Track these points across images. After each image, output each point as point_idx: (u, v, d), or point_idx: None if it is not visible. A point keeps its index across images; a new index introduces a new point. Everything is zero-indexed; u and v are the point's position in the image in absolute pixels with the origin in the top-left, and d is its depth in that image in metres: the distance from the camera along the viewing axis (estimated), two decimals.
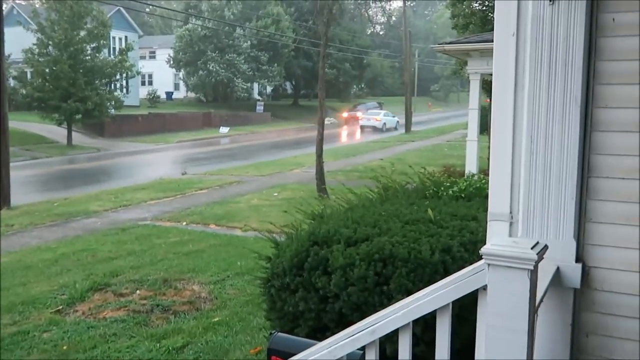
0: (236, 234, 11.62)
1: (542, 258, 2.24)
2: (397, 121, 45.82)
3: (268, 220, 12.07)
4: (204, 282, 8.24)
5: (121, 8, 48.98)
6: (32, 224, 13.01)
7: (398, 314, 2.49)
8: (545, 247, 2.29)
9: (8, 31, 16.63)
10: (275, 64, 52.50)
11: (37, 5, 39.61)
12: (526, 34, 2.77)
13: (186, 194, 16.81)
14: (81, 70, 31.22)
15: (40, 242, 11.35)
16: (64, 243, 11.14)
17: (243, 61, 50.21)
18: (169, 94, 58.27)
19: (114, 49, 42.23)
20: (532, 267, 2.09)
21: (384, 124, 44.84)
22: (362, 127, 43.93)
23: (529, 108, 2.75)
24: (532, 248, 2.15)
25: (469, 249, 4.21)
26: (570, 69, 2.65)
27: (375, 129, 43.42)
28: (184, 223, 12.79)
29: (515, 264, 2.10)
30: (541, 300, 2.40)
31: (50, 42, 30.91)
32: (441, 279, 2.60)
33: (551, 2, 2.67)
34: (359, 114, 47.69)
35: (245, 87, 50.82)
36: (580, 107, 2.65)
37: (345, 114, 49.63)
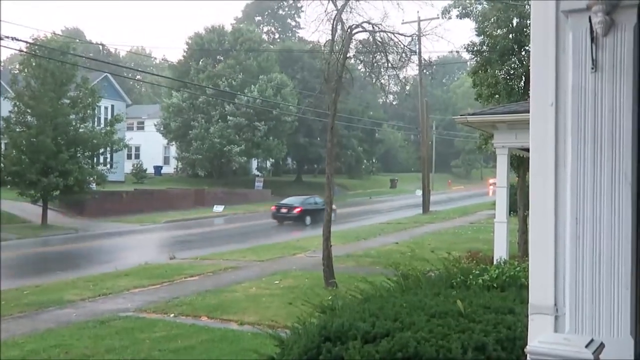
0: (232, 328, 11.42)
1: (598, 359, 2.19)
2: None
3: (268, 312, 11.97)
4: None
5: (108, 74, 50.55)
6: None
7: None
8: (602, 346, 2.24)
9: None
10: (275, 139, 53.22)
11: (15, 71, 40.87)
12: (566, 104, 2.83)
13: (175, 282, 16.67)
14: (63, 142, 31.73)
15: (6, 336, 11.14)
16: (33, 338, 10.96)
17: (237, 133, 51.07)
18: (157, 169, 59.04)
19: (99, 118, 43.19)
20: None
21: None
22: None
23: (573, 185, 2.77)
24: (586, 346, 2.11)
25: (506, 347, 4.12)
26: (618, 142, 2.69)
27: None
28: (172, 315, 12.62)
29: None
30: None
31: (29, 111, 31.59)
32: None
33: (593, 70, 2.74)
34: None
35: (238, 150, 51.10)
36: (631, 184, 2.66)
37: None
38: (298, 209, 35.18)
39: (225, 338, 10.62)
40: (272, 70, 55.15)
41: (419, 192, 59.84)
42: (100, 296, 14.82)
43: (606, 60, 2.71)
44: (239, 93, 49.81)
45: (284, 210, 35.66)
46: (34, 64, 31.40)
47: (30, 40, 31.23)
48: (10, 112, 32.09)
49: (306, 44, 64.88)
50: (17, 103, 31.75)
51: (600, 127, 2.73)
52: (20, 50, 32.96)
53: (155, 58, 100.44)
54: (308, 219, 34.80)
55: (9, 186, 32.64)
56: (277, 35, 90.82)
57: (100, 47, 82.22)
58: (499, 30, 17.14)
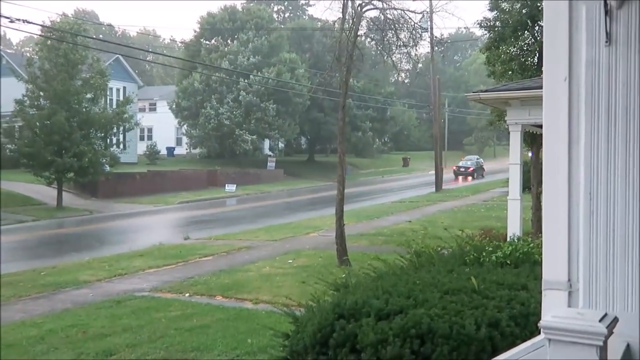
0: (246, 307, 11.51)
1: (612, 332, 2.19)
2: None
3: (282, 291, 12.05)
4: None
5: (119, 56, 50.52)
6: (16, 296, 13.01)
7: None
8: (615, 320, 2.24)
9: None
10: (287, 118, 53.18)
11: (29, 54, 41.02)
12: (580, 79, 2.80)
13: (189, 262, 16.78)
14: (75, 124, 31.86)
15: (24, 316, 11.31)
16: (51, 318, 11.10)
17: (248, 113, 50.99)
18: (170, 150, 59.12)
19: (111, 100, 43.27)
20: (601, 343, 2.05)
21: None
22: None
23: (587, 161, 2.75)
24: (600, 320, 2.11)
25: (520, 323, 4.14)
26: (632, 116, 2.67)
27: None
28: (187, 294, 12.72)
29: (582, 339, 2.05)
30: None
31: (42, 93, 31.75)
32: (489, 358, 2.54)
33: (607, 44, 2.71)
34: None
35: (249, 139, 51.18)
36: None
37: None
38: (471, 168, 57.52)
39: (240, 316, 10.70)
40: (283, 49, 54.88)
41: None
42: (115, 276, 14.96)
43: (620, 33, 2.68)
44: (253, 74, 49.53)
45: (462, 169, 57.46)
46: (48, 42, 31.42)
47: (44, 23, 31.34)
48: (23, 95, 32.26)
49: (317, 21, 64.47)
50: (30, 86, 31.89)
51: (615, 101, 2.70)
52: (38, 34, 33.04)
53: (164, 38, 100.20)
54: (475, 174, 55.76)
55: (22, 168, 32.91)
56: (287, 14, 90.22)
57: (112, 28, 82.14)
58: (512, 5, 16.93)
